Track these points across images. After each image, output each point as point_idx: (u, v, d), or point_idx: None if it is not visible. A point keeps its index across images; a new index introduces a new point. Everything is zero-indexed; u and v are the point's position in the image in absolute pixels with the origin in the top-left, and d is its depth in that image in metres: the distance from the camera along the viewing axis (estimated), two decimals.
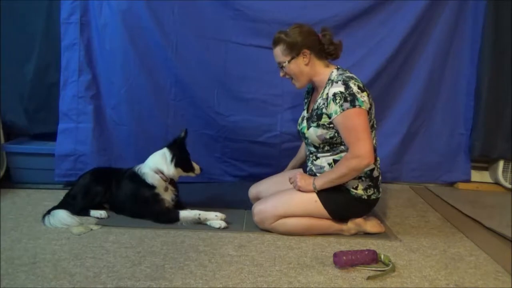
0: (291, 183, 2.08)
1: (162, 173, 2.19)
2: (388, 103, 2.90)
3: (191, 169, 2.27)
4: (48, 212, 2.11)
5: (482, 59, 2.84)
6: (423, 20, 2.78)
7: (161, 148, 2.28)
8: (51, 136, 2.71)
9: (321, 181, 1.99)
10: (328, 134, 1.98)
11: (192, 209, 2.17)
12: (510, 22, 2.79)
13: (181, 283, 1.58)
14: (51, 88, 2.73)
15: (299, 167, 2.40)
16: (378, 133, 2.84)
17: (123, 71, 2.68)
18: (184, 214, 2.14)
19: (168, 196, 2.20)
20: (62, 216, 2.07)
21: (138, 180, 2.18)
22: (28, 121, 2.80)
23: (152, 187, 2.17)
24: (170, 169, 2.19)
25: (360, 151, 1.88)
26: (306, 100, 2.24)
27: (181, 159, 2.22)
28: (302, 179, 2.03)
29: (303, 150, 2.37)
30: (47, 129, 2.77)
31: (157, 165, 2.19)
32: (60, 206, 2.18)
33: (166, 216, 2.14)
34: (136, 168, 2.22)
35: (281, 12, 2.65)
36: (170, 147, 2.24)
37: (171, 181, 2.24)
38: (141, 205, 2.18)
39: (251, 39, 2.68)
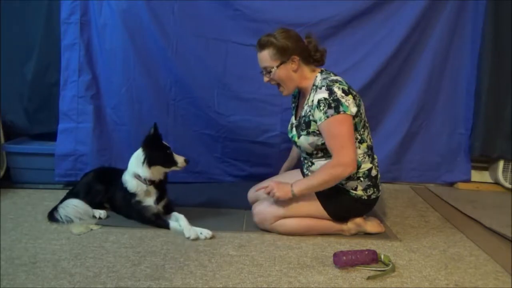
0: (267, 194, 1.99)
1: (140, 176, 2.07)
2: (388, 103, 2.91)
3: (173, 163, 2.08)
4: (55, 208, 2.11)
5: (482, 59, 2.84)
6: (423, 20, 2.78)
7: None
8: (51, 136, 2.71)
9: (300, 188, 1.93)
10: (319, 140, 1.94)
11: (185, 215, 2.06)
12: (510, 22, 2.79)
13: (181, 283, 1.58)
14: (51, 88, 2.73)
15: (293, 168, 2.39)
16: (379, 133, 2.86)
17: (123, 71, 2.68)
18: (174, 225, 2.04)
19: (150, 202, 2.09)
20: (76, 204, 2.09)
21: (123, 187, 2.11)
22: (28, 121, 2.80)
23: (133, 194, 2.08)
24: (145, 171, 2.05)
25: (345, 159, 1.85)
26: (293, 105, 2.21)
27: (156, 157, 2.06)
28: (280, 189, 1.95)
29: (295, 151, 2.36)
30: (47, 129, 2.77)
31: (134, 169, 2.08)
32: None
33: (154, 223, 2.07)
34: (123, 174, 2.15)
35: (281, 12, 2.65)
36: (143, 146, 2.09)
37: (159, 182, 2.11)
38: (129, 211, 2.14)
39: (251, 39, 2.64)
